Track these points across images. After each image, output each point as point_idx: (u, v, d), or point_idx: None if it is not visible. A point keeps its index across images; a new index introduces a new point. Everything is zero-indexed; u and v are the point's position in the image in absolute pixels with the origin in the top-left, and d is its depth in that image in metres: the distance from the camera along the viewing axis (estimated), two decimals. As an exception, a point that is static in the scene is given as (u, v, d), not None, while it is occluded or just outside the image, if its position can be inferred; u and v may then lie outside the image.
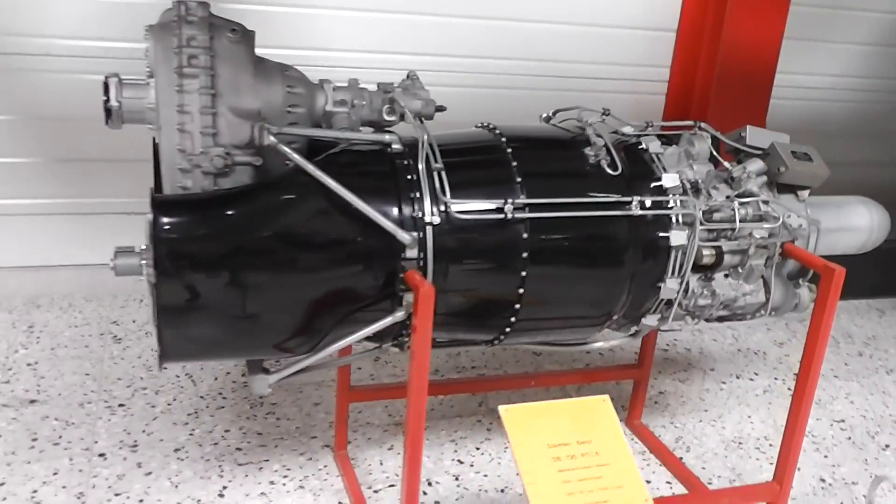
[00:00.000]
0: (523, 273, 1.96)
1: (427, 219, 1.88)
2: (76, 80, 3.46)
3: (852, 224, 2.47)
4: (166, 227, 1.66)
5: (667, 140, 2.26)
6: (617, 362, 3.41)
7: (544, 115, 2.30)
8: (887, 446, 3.10)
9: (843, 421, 3.25)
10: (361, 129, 2.00)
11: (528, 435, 1.88)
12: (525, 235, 1.94)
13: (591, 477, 1.86)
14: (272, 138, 1.79)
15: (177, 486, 2.53)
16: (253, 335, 1.82)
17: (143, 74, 1.89)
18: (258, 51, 1.90)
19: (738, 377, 3.51)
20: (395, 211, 1.88)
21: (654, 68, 4.22)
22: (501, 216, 1.92)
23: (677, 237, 2.07)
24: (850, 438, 3.13)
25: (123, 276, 3.60)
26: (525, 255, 1.95)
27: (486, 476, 2.71)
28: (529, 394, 3.11)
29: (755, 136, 2.36)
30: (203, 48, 1.76)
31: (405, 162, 1.93)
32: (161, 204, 1.67)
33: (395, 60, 3.71)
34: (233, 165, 1.80)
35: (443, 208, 1.90)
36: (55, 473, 2.53)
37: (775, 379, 3.53)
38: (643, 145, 2.17)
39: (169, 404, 2.95)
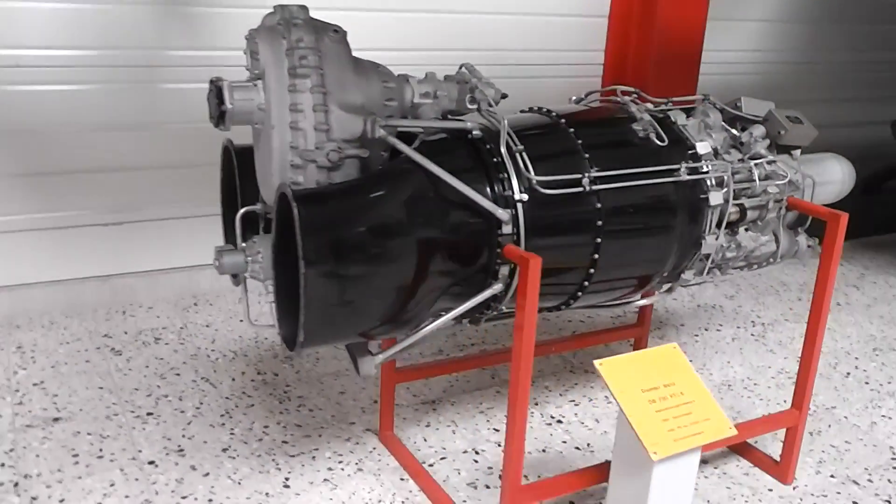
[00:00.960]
0: (598, 240, 2.16)
1: (517, 196, 2.05)
2: (46, 91, 3.38)
3: (830, 177, 2.81)
4: (310, 218, 1.74)
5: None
6: (600, 326, 3.68)
7: (574, 97, 2.51)
8: (848, 374, 3.51)
9: (805, 357, 3.64)
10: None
11: (623, 383, 2.08)
12: (599, 205, 2.14)
13: (682, 414, 2.08)
14: (382, 131, 1.90)
15: (240, 483, 2.57)
16: (375, 316, 1.93)
17: (246, 76, 1.95)
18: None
19: (706, 329, 3.85)
20: (488, 191, 2.04)
21: (590, 52, 4.51)
22: (580, 189, 2.10)
23: (715, 197, 2.33)
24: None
25: (114, 291, 3.58)
26: (599, 222, 2.15)
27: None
28: (536, 363, 3.32)
29: (750, 105, 2.65)
30: (311, 48, 1.85)
31: (487, 146, 2.08)
32: (301, 198, 1.75)
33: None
34: (343, 159, 1.90)
35: (527, 186, 2.07)
36: (112, 485, 2.52)
37: (738, 328, 3.89)
38: (672, 118, 2.42)
39: (197, 408, 2.96)
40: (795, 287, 4.43)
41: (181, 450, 2.72)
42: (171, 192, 3.74)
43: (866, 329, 3.96)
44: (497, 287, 2.07)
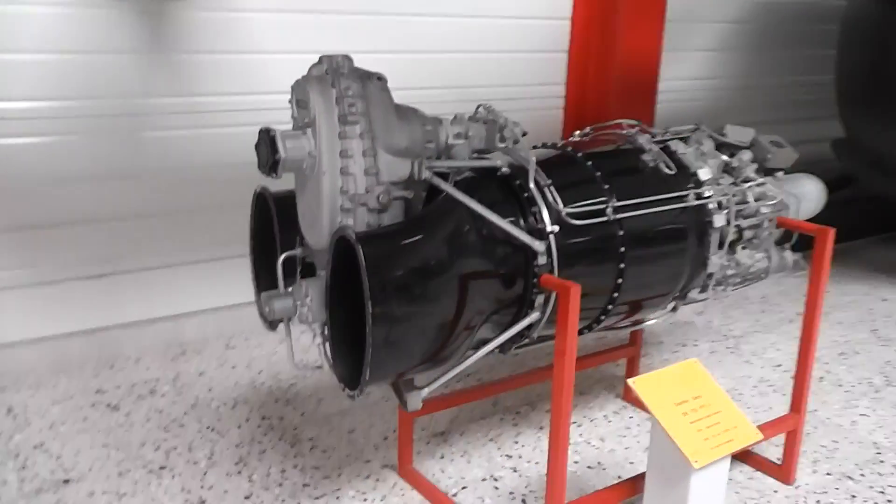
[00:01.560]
0: (622, 265, 2.28)
1: (548, 228, 2.15)
2: (28, 143, 3.35)
3: (808, 195, 3.01)
4: (375, 259, 1.80)
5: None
6: (589, 349, 3.80)
7: (578, 132, 2.65)
8: (822, 378, 3.71)
9: (780, 365, 3.84)
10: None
11: (657, 398, 2.19)
12: (621, 232, 2.27)
13: (713, 423, 2.21)
14: (428, 172, 1.98)
15: (270, 528, 2.58)
16: (429, 350, 1.99)
17: (292, 125, 2.01)
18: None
19: (684, 345, 4.02)
20: (522, 224, 2.14)
21: (552, 86, 4.70)
22: (605, 218, 2.23)
23: (719, 220, 2.49)
24: (792, 378, 3.72)
25: (101, 344, 3.51)
26: (623, 249, 2.27)
27: (537, 463, 2.98)
28: (532, 389, 3.42)
29: (734, 132, 2.84)
30: (359, 96, 1.93)
31: (517, 182, 2.19)
32: (364, 239, 1.81)
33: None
34: (391, 201, 1.97)
35: (556, 217, 2.17)
36: (141, 542, 2.50)
37: (713, 342, 4.08)
38: (672, 147, 2.57)
39: (210, 457, 2.95)
40: (757, 300, 4.65)
41: (203, 501, 2.70)
42: (154, 241, 3.72)
43: (829, 335, 4.19)
44: (534, 315, 2.17)
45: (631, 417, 3.31)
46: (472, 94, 4.42)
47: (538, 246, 2.08)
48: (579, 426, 3.24)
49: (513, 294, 2.13)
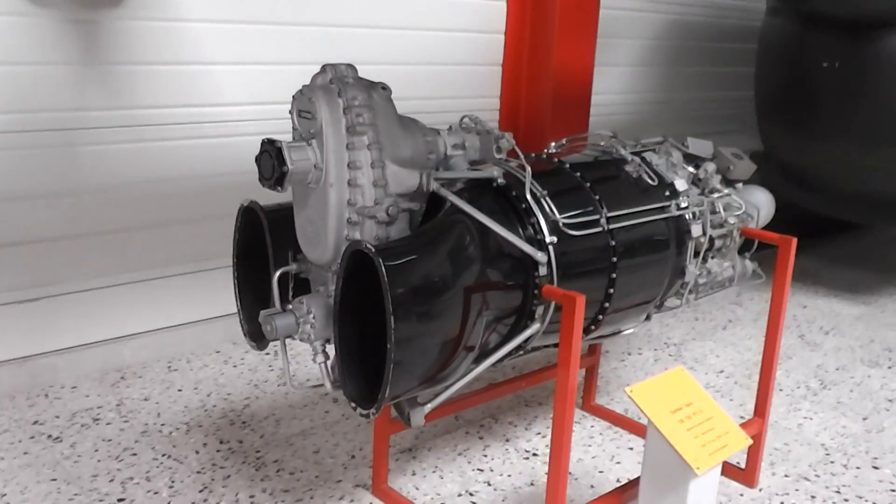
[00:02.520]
0: (613, 275, 2.30)
1: (547, 239, 2.15)
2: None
3: (761, 205, 3.12)
4: (395, 273, 1.75)
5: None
6: (542, 362, 3.83)
7: (554, 143, 2.66)
8: (764, 382, 3.85)
9: (722, 371, 3.97)
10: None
11: (654, 406, 2.22)
12: (613, 242, 2.29)
13: (707, 430, 2.25)
14: (435, 183, 1.95)
15: (248, 558, 2.47)
16: (441, 366, 1.95)
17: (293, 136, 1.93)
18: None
19: (629, 354, 4.10)
20: (522, 235, 2.13)
21: (487, 98, 4.73)
22: (599, 229, 2.24)
23: (696, 229, 2.55)
24: (736, 383, 3.85)
25: (33, 373, 3.33)
26: (614, 258, 2.29)
27: (510, 476, 2.96)
28: (492, 401, 3.41)
29: (695, 145, 2.92)
30: (366, 106, 1.87)
31: (513, 192, 2.18)
32: (382, 253, 1.76)
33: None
34: (399, 213, 1.93)
35: (552, 228, 2.18)
36: (111, 580, 2.34)
37: (656, 349, 4.18)
38: (648, 158, 2.62)
39: (171, 486, 2.80)
40: (689, 308, 4.80)
41: (171, 532, 2.56)
42: (89, 262, 3.52)
43: (761, 341, 4.30)
44: (535, 327, 2.16)
45: (592, 426, 3.34)
46: (407, 106, 4.37)
47: (540, 257, 2.08)
48: (543, 437, 3.25)
49: (514, 305, 2.12)
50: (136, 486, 2.78)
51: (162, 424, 3.20)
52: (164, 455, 2.98)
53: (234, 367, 3.73)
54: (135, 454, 2.98)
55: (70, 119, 3.34)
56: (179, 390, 3.49)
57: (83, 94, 3.35)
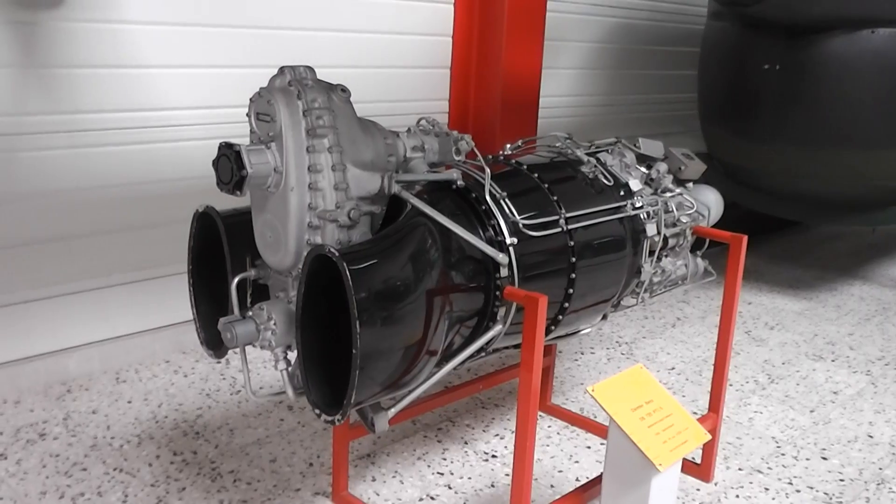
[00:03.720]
0: (572, 275, 2.31)
1: (508, 241, 2.15)
2: None
3: (711, 204, 3.18)
4: (360, 277, 1.72)
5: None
6: (497, 364, 3.83)
7: (509, 144, 2.66)
8: (714, 378, 3.92)
9: (673, 368, 4.03)
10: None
11: (615, 405, 2.23)
12: (572, 243, 2.30)
13: (667, 427, 2.27)
14: (397, 186, 1.93)
15: (207, 571, 2.41)
16: (405, 369, 1.93)
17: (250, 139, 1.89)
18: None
19: (582, 353, 4.13)
20: (482, 236, 2.12)
21: (436, 101, 4.72)
22: (559, 229, 2.25)
23: (651, 229, 2.58)
24: (687, 380, 3.91)
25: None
26: (573, 259, 2.30)
27: (469, 478, 2.96)
28: (448, 405, 3.40)
29: (647, 145, 2.95)
30: (325, 108, 1.85)
31: (473, 194, 2.17)
32: (346, 257, 1.73)
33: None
34: (360, 216, 1.90)
35: (512, 229, 2.18)
36: None
37: (608, 349, 4.22)
38: (602, 159, 2.64)
39: (125, 501, 2.72)
40: (638, 307, 4.85)
41: (126, 548, 2.49)
42: (28, 272, 3.40)
43: (709, 338, 4.44)
44: (497, 328, 2.15)
45: (549, 426, 3.36)
46: (357, 109, 4.37)
47: (502, 258, 2.07)
48: (501, 438, 3.25)
49: (476, 307, 2.11)
50: (87, 502, 2.70)
51: (112, 437, 3.11)
52: (115, 469, 2.90)
53: (185, 376, 3.65)
54: (85, 469, 2.89)
55: (8, 124, 3.23)
56: (129, 402, 3.40)
57: (22, 98, 3.24)
